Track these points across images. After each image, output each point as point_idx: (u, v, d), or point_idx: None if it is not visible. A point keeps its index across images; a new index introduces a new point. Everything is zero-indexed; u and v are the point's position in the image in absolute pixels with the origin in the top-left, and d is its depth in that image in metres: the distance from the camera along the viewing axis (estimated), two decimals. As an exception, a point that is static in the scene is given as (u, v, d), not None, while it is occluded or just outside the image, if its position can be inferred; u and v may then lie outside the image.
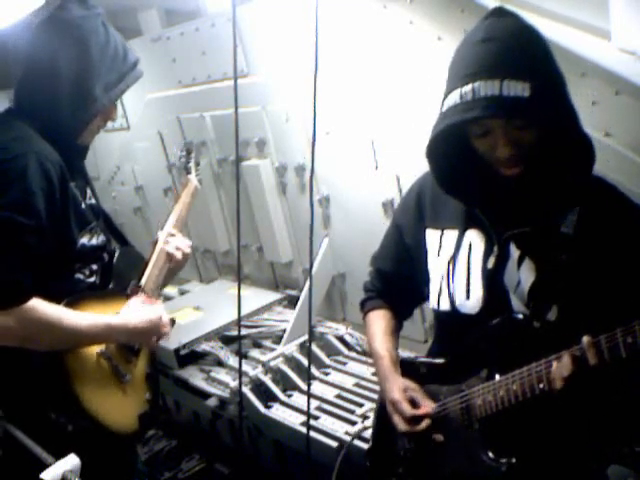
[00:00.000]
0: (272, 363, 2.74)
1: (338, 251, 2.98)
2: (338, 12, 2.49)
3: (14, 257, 1.58)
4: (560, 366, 1.28)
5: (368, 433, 2.10)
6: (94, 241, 1.86)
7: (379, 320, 1.74)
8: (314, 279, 2.68)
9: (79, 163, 1.93)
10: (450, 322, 1.56)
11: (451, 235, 1.54)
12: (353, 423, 2.32)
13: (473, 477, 1.48)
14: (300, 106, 2.79)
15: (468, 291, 1.49)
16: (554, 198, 1.40)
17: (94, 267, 1.89)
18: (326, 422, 2.38)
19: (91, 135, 1.93)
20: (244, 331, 2.92)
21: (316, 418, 2.41)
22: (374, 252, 1.81)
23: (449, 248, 1.54)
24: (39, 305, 1.61)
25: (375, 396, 2.24)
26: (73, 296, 1.76)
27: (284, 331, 2.92)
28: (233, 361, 2.87)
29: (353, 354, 2.86)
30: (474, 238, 1.50)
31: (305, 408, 2.34)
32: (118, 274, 1.98)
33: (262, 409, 2.56)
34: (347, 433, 2.26)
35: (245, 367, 2.71)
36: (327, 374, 2.73)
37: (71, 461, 1.34)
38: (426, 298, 1.62)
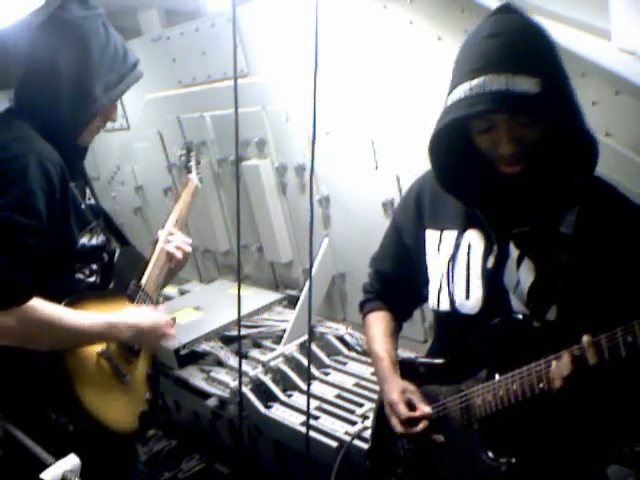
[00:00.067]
0: (272, 363, 2.74)
1: (338, 251, 2.98)
2: (338, 12, 2.49)
3: (14, 257, 1.58)
4: (560, 366, 1.28)
5: (368, 433, 2.10)
6: (94, 241, 1.87)
7: (378, 322, 1.74)
8: (314, 279, 2.68)
9: (79, 163, 1.94)
10: (450, 322, 1.56)
11: (450, 235, 1.54)
12: (353, 423, 2.32)
13: (473, 477, 1.48)
14: (300, 106, 2.79)
15: (468, 291, 1.49)
16: (554, 198, 1.39)
17: (94, 267, 1.90)
18: (326, 422, 2.38)
19: (91, 135, 1.93)
20: (244, 331, 2.92)
21: (316, 418, 2.41)
22: (373, 253, 1.81)
23: (448, 248, 1.54)
24: (39, 305, 1.62)
25: (375, 396, 2.24)
26: (73, 296, 1.77)
27: (284, 331, 2.92)
28: (233, 361, 2.87)
29: (353, 354, 2.86)
30: (473, 238, 1.50)
31: (305, 408, 2.34)
32: (118, 274, 1.98)
33: (262, 409, 2.56)
34: (347, 433, 2.26)
35: (245, 367, 2.71)
36: (327, 374, 2.73)
37: (71, 461, 1.34)
38: (425, 299, 1.62)
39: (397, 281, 1.73)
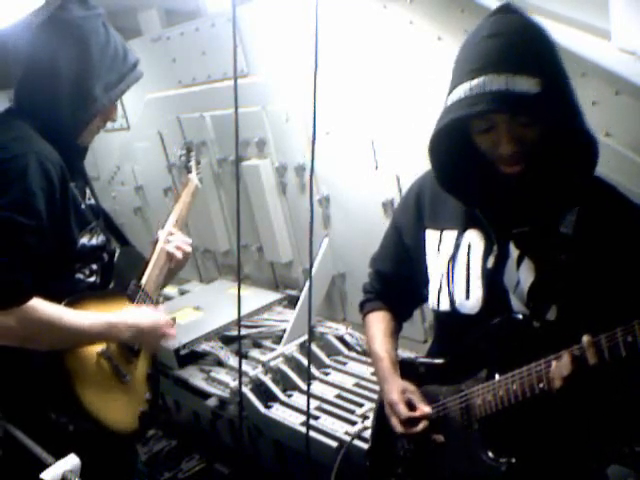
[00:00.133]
0: (272, 363, 2.74)
1: (338, 251, 2.98)
2: (338, 12, 2.49)
3: (14, 257, 1.58)
4: (560, 365, 1.28)
5: (368, 433, 2.10)
6: (94, 241, 1.87)
7: (378, 322, 1.74)
8: (314, 279, 2.68)
9: (79, 163, 1.94)
10: (450, 322, 1.56)
11: (450, 235, 1.54)
12: (353, 423, 2.32)
13: (473, 477, 1.48)
14: (300, 106, 2.79)
15: (468, 291, 1.49)
16: (554, 198, 1.39)
17: (94, 267, 1.90)
18: (326, 422, 2.38)
19: (91, 135, 1.93)
20: (244, 331, 2.92)
21: (316, 418, 2.41)
22: (373, 253, 1.81)
23: (448, 248, 1.54)
24: (39, 305, 1.62)
25: (375, 396, 2.24)
26: (73, 296, 1.77)
27: (284, 331, 2.92)
28: (233, 361, 2.87)
29: (353, 354, 2.86)
30: (473, 238, 1.50)
31: (305, 408, 2.34)
32: (118, 274, 1.98)
33: (262, 409, 2.56)
34: (347, 433, 2.26)
35: (245, 367, 2.71)
36: (327, 374, 2.73)
37: (71, 461, 1.34)
38: (425, 299, 1.62)
39: (397, 281, 1.73)
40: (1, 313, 1.56)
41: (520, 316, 1.42)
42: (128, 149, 4.04)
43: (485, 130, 1.35)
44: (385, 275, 1.76)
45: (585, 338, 1.24)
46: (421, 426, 1.52)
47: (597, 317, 1.29)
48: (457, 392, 1.52)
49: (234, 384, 2.61)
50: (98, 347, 1.81)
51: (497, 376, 1.43)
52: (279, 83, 2.91)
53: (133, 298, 1.97)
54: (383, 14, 2.35)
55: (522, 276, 1.43)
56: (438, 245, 1.56)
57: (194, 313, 3.30)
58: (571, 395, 1.30)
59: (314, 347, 2.83)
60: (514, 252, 1.44)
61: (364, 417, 2.33)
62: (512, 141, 1.32)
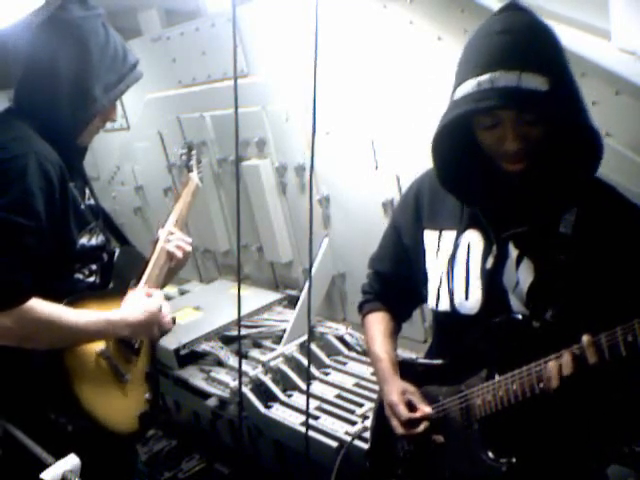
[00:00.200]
0: (272, 363, 2.74)
1: (338, 251, 2.98)
2: (338, 12, 2.49)
3: (13, 258, 1.58)
4: (560, 365, 1.28)
5: (368, 433, 2.10)
6: (93, 241, 1.87)
7: (378, 322, 1.74)
8: (314, 279, 2.68)
9: (78, 163, 1.94)
10: (449, 322, 1.56)
11: (449, 235, 1.54)
12: (353, 423, 2.32)
13: (473, 477, 1.48)
14: (300, 106, 2.79)
15: (467, 291, 1.49)
16: (555, 196, 1.39)
17: (93, 267, 1.90)
18: (326, 422, 2.38)
19: (90, 135, 1.93)
20: (244, 331, 2.92)
21: (316, 418, 2.41)
22: (372, 254, 1.81)
23: (447, 249, 1.53)
24: (37, 305, 1.62)
25: (375, 396, 2.24)
26: (73, 296, 1.77)
27: (284, 331, 2.92)
28: (233, 361, 2.87)
29: (353, 354, 2.86)
30: (473, 238, 1.50)
31: (305, 408, 2.34)
32: (118, 274, 1.98)
33: (262, 409, 2.56)
34: (347, 433, 2.26)
35: (245, 367, 2.71)
36: (327, 374, 2.73)
37: (71, 461, 1.34)
38: (424, 299, 1.62)
39: (396, 281, 1.73)
40: (0, 314, 1.56)
41: (519, 316, 1.42)
42: (128, 149, 4.04)
43: (490, 126, 1.34)
44: (384, 275, 1.75)
45: (585, 337, 1.24)
46: (422, 427, 1.52)
47: (596, 317, 1.29)
48: (457, 392, 1.52)
49: (234, 384, 2.61)
50: (97, 347, 1.81)
51: (497, 376, 1.43)
52: (279, 83, 2.91)
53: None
54: (383, 14, 2.35)
55: (521, 276, 1.43)
56: (437, 245, 1.56)
57: (194, 313, 3.30)
58: (571, 395, 1.30)
59: (314, 347, 2.83)
60: (513, 252, 1.44)
61: (364, 417, 2.33)
62: (517, 138, 1.31)
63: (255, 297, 3.32)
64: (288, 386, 2.71)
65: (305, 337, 2.78)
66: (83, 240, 1.83)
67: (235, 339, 2.85)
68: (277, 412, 2.53)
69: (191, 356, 2.99)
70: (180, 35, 3.30)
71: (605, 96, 1.80)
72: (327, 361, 2.82)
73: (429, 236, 1.59)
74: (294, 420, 2.45)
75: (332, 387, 2.62)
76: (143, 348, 1.99)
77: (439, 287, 1.55)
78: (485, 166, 1.43)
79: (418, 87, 2.33)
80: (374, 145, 2.60)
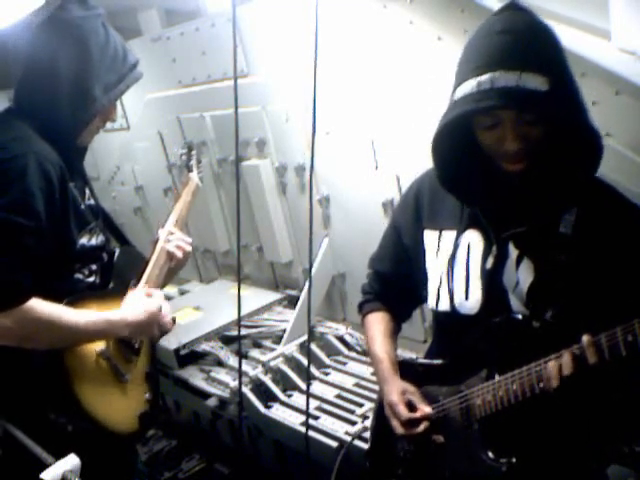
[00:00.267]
0: (272, 363, 2.74)
1: (338, 251, 2.98)
2: (338, 12, 2.49)
3: (13, 258, 1.58)
4: (560, 365, 1.28)
5: (368, 433, 2.10)
6: (93, 241, 1.87)
7: (378, 323, 1.74)
8: (314, 279, 2.68)
9: (78, 163, 1.94)
10: (449, 322, 1.56)
11: (449, 235, 1.54)
12: (353, 423, 2.32)
13: (473, 477, 1.48)
14: (300, 106, 2.79)
15: (467, 291, 1.49)
16: (555, 196, 1.39)
17: (93, 267, 1.90)
18: (326, 422, 2.38)
19: (90, 135, 1.93)
20: (244, 331, 2.92)
21: (316, 418, 2.41)
22: (372, 254, 1.81)
23: (447, 249, 1.54)
24: (37, 305, 1.62)
25: (375, 396, 2.24)
26: (73, 296, 1.77)
27: (284, 331, 2.92)
28: (233, 361, 2.87)
29: (353, 354, 2.86)
30: (473, 238, 1.50)
31: (305, 408, 2.34)
32: (118, 273, 1.98)
33: (262, 409, 2.56)
34: (347, 433, 2.26)
35: (245, 367, 2.71)
36: (327, 374, 2.73)
37: (71, 461, 1.34)
38: (424, 299, 1.62)
39: (396, 281, 1.72)
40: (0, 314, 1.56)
41: (519, 316, 1.42)
42: (128, 149, 4.04)
43: (490, 126, 1.34)
44: (384, 275, 1.75)
45: (585, 337, 1.24)
46: (422, 427, 1.52)
47: (596, 317, 1.29)
48: (457, 392, 1.52)
49: (234, 384, 2.61)
50: (97, 347, 1.81)
51: (497, 376, 1.43)
52: (279, 83, 2.91)
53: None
54: (383, 14, 2.35)
55: (521, 276, 1.43)
56: (437, 245, 1.56)
57: (194, 313, 3.30)
58: (571, 395, 1.30)
59: (314, 347, 2.83)
60: (513, 252, 1.44)
61: (364, 417, 2.33)
62: (517, 138, 1.31)
63: (255, 297, 3.32)
64: (288, 386, 2.71)
65: (305, 337, 2.78)
66: (83, 240, 1.83)
67: (235, 339, 2.85)
68: (277, 412, 2.53)
69: (191, 356, 2.99)
70: (180, 35, 3.30)
71: (605, 96, 1.80)
72: (327, 361, 2.82)
73: (429, 236, 1.59)
74: (294, 420, 2.45)
75: (332, 387, 2.62)
76: (143, 348, 1.99)
77: (439, 287, 1.55)
78: (485, 166, 1.43)
79: (418, 87, 2.33)
80: (374, 145, 2.60)
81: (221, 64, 3.10)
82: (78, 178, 1.89)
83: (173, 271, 2.13)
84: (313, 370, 2.69)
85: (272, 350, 2.89)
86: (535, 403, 1.36)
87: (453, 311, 1.52)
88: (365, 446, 2.09)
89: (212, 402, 2.78)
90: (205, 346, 2.99)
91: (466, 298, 1.49)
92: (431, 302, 1.58)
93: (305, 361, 2.66)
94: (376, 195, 2.63)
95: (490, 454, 1.44)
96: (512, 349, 1.42)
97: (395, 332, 1.76)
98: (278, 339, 2.96)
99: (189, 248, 2.14)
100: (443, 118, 1.36)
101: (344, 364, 2.79)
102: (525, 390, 1.35)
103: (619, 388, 1.36)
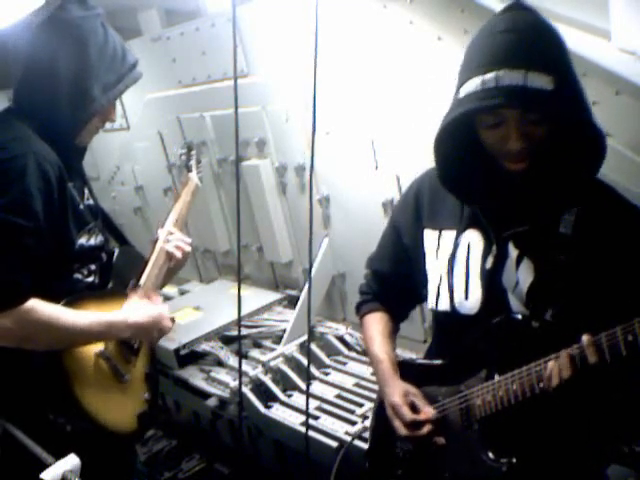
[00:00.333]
0: (272, 363, 2.74)
1: (338, 251, 2.98)
2: (338, 12, 2.49)
3: (13, 258, 1.58)
4: (559, 365, 1.28)
5: (368, 433, 2.10)
6: (92, 241, 1.87)
7: (376, 323, 1.74)
8: (314, 279, 2.68)
9: (77, 163, 1.94)
10: (449, 322, 1.56)
11: (449, 235, 1.54)
12: (353, 423, 2.31)
13: (473, 477, 1.48)
14: (300, 106, 2.79)
15: (467, 291, 1.49)
16: (556, 196, 1.39)
17: (92, 267, 1.90)
18: (326, 422, 2.38)
19: (89, 135, 1.93)
20: (244, 331, 2.92)
21: (316, 418, 2.41)
22: (371, 254, 1.80)
23: (447, 248, 1.53)
24: (37, 305, 1.62)
25: (375, 396, 2.24)
26: (72, 296, 1.77)
27: (284, 331, 2.92)
28: (233, 361, 2.86)
29: (353, 354, 2.85)
30: (472, 238, 1.50)
31: (305, 408, 2.34)
32: (117, 273, 1.98)
33: (262, 409, 2.56)
34: (347, 433, 2.26)
35: (245, 367, 2.71)
36: (327, 374, 2.73)
37: (71, 461, 1.34)
38: (424, 299, 1.62)
39: (395, 281, 1.72)
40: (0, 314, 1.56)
41: (519, 316, 1.42)
42: (128, 149, 4.04)
43: (493, 125, 1.34)
44: (383, 275, 1.75)
45: (585, 337, 1.24)
46: (426, 429, 1.51)
47: (596, 317, 1.29)
48: (456, 393, 1.52)
49: (234, 384, 2.61)
50: (96, 347, 1.81)
51: (497, 376, 1.43)
52: (279, 83, 2.91)
53: (132, 298, 1.96)
54: (383, 14, 2.35)
55: (521, 276, 1.43)
56: (437, 245, 1.56)
57: (194, 313, 3.30)
58: (571, 395, 1.30)
59: (314, 347, 2.83)
60: (513, 252, 1.44)
61: (364, 417, 2.33)
62: (521, 137, 1.31)
63: (255, 297, 3.32)
64: (288, 386, 2.71)
65: (305, 337, 2.78)
66: (82, 240, 1.82)
67: (235, 339, 2.85)
68: (277, 412, 2.53)
69: (191, 356, 2.99)
70: (180, 35, 3.30)
71: (605, 96, 1.80)
72: (327, 361, 2.82)
73: (429, 236, 1.59)
74: (294, 420, 2.45)
75: (332, 387, 2.62)
76: (142, 348, 1.99)
77: (439, 287, 1.55)
78: (487, 165, 1.43)
79: (418, 87, 2.33)
80: (374, 145, 2.60)
81: (221, 64, 3.10)
82: (77, 178, 1.88)
83: (172, 271, 2.13)
84: (313, 370, 2.69)
85: (272, 350, 2.89)
86: (535, 403, 1.35)
87: (453, 311, 1.52)
88: (365, 446, 2.09)
89: (212, 402, 2.78)
90: (205, 346, 2.99)
91: (466, 298, 1.49)
92: (431, 302, 1.58)
93: (305, 361, 2.66)
94: (376, 195, 2.63)
95: (490, 454, 1.44)
96: (512, 349, 1.42)
97: (394, 332, 1.75)
98: (278, 339, 2.96)
99: (188, 248, 2.14)
100: (447, 116, 1.36)
101: (344, 364, 2.79)
102: (525, 390, 1.35)
103: (619, 388, 1.36)
